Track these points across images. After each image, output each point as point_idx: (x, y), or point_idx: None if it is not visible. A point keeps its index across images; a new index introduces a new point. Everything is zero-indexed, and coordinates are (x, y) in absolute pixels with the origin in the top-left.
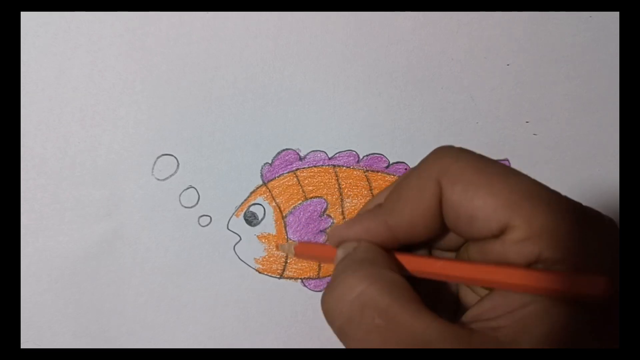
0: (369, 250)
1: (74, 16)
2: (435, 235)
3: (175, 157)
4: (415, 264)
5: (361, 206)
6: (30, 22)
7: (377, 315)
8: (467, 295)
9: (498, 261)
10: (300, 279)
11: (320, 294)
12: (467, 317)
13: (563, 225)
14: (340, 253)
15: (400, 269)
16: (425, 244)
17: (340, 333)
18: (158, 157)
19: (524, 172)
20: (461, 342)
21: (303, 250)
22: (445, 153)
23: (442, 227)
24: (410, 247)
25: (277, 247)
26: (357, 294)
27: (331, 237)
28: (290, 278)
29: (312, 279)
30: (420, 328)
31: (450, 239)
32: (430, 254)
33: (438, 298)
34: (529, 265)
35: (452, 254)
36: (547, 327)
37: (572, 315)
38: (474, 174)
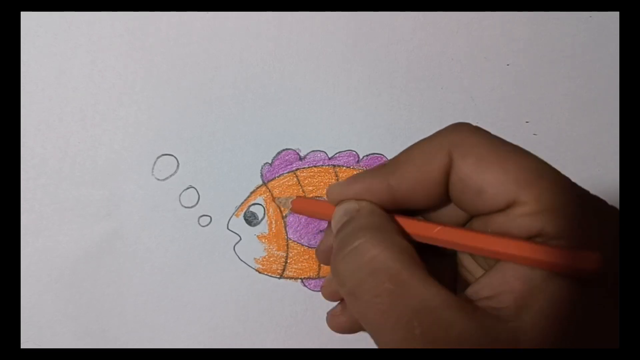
0: (373, 213)
1: (74, 16)
2: (434, 206)
3: (175, 157)
4: (414, 227)
5: None
6: (30, 22)
7: (387, 280)
8: (466, 274)
9: (499, 232)
10: (300, 278)
11: (320, 293)
12: (465, 294)
13: (568, 204)
14: (340, 212)
15: (402, 232)
16: (424, 215)
17: (349, 295)
18: (158, 157)
19: None
20: (466, 312)
21: (300, 206)
22: (461, 127)
23: (442, 199)
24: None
25: (274, 200)
26: (369, 259)
27: (330, 194)
28: (290, 278)
29: (312, 278)
30: (428, 295)
31: (451, 215)
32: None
33: (436, 275)
34: (530, 238)
35: None
36: (546, 302)
37: (570, 291)
38: (487, 150)
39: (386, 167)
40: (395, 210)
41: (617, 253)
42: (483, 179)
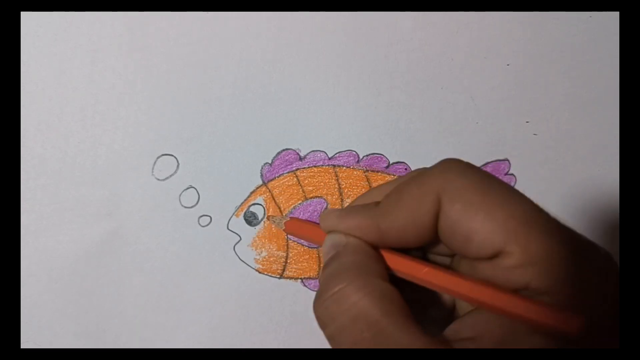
0: (358, 251)
1: (74, 16)
2: (427, 244)
3: (175, 157)
4: (401, 265)
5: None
6: (30, 22)
7: (366, 329)
8: (463, 302)
9: (484, 280)
10: (300, 278)
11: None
12: (448, 331)
13: (556, 256)
14: (328, 243)
15: (387, 270)
16: (418, 249)
17: (330, 338)
18: (158, 157)
19: (524, 172)
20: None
21: (293, 227)
22: (451, 167)
23: (434, 239)
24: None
25: (268, 217)
26: (349, 305)
27: (323, 222)
28: (290, 278)
29: (312, 278)
30: (406, 342)
31: (441, 250)
32: (424, 257)
33: (435, 299)
34: (516, 290)
35: (446, 259)
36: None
37: (552, 347)
38: (475, 194)
39: (378, 210)
40: (385, 247)
41: (612, 306)
42: (470, 227)
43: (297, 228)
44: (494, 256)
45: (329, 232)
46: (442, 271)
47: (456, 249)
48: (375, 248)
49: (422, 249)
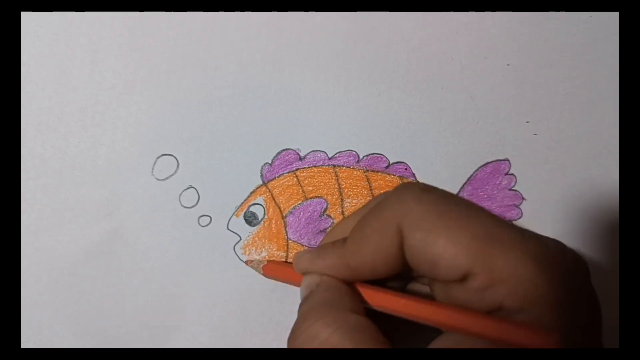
0: (330, 289)
1: (74, 16)
2: (401, 272)
3: (175, 157)
4: (377, 299)
5: (361, 206)
6: (30, 22)
7: None
8: None
9: (461, 304)
10: None
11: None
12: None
13: (523, 272)
14: (302, 285)
15: (363, 304)
16: (400, 277)
17: None
18: (158, 157)
19: (524, 172)
20: None
21: (270, 271)
22: (406, 194)
23: (404, 266)
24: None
25: (247, 263)
26: (320, 341)
27: (296, 266)
28: None
29: None
30: None
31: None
32: (407, 282)
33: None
34: (491, 311)
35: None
36: None
37: None
38: (435, 219)
39: (345, 248)
40: (361, 281)
41: (589, 307)
42: (434, 253)
43: (275, 271)
44: (464, 278)
45: (304, 273)
46: (415, 301)
47: (426, 275)
48: (351, 283)
49: (404, 275)
